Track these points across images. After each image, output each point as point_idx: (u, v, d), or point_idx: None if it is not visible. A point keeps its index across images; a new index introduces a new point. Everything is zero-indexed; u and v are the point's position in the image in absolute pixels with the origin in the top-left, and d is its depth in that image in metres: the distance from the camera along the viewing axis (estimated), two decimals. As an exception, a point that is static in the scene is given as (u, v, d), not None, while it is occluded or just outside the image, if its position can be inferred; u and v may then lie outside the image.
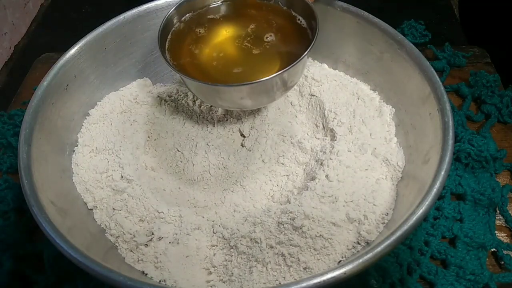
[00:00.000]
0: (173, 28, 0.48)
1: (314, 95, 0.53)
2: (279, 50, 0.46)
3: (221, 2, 0.50)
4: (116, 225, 0.43)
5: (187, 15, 0.49)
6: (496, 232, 0.46)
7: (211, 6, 0.50)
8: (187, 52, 0.47)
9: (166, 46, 0.46)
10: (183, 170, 0.50)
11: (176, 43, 0.47)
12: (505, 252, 0.45)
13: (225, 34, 0.48)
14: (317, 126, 0.52)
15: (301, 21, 0.47)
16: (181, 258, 0.41)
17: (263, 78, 0.41)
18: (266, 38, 0.46)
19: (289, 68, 0.41)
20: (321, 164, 0.47)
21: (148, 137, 0.52)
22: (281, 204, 0.46)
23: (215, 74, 0.45)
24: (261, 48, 0.46)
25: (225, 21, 0.49)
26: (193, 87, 0.47)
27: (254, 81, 0.42)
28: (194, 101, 0.54)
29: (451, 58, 0.62)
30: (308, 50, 0.42)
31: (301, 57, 0.42)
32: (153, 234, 0.43)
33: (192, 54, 0.47)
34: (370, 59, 0.52)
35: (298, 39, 0.46)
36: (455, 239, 0.45)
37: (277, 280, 0.39)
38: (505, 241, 0.46)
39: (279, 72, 0.41)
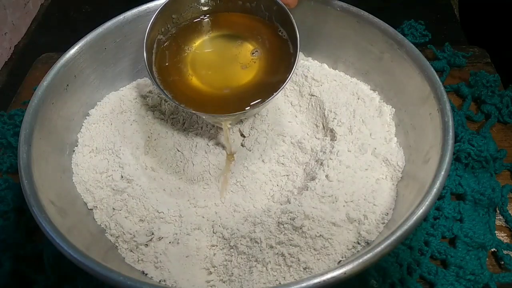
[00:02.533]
0: (158, 37, 0.47)
1: (314, 95, 0.53)
2: (264, 64, 0.46)
3: (205, 16, 0.49)
4: (116, 225, 0.43)
5: (171, 27, 0.48)
6: (496, 232, 0.46)
7: (195, 20, 0.49)
8: (174, 68, 0.47)
9: (153, 61, 0.46)
10: (183, 170, 0.50)
11: (163, 59, 0.47)
12: (505, 252, 0.45)
13: (210, 47, 0.48)
14: (317, 126, 0.52)
15: (282, 33, 0.47)
16: (181, 258, 0.41)
17: (250, 99, 0.43)
18: (252, 53, 0.47)
19: (274, 96, 0.43)
20: (321, 164, 0.47)
21: (148, 137, 0.52)
22: (281, 204, 0.46)
23: (204, 88, 0.46)
24: (246, 63, 0.46)
25: (211, 36, 0.49)
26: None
27: (238, 112, 0.43)
28: (194, 101, 0.54)
29: (451, 58, 0.62)
30: (291, 73, 0.43)
31: (284, 83, 0.43)
32: (153, 234, 0.43)
33: (179, 70, 0.47)
34: (370, 59, 0.52)
35: (281, 51, 0.46)
36: (455, 239, 0.45)
37: (277, 280, 0.39)
38: (505, 241, 0.46)
39: (267, 101, 0.42)
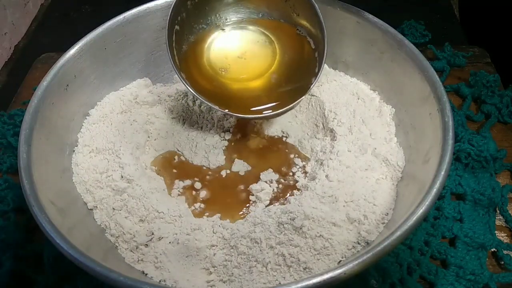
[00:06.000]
0: (176, 28, 0.48)
1: (314, 95, 0.53)
2: (286, 65, 0.49)
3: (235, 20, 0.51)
4: (116, 225, 0.43)
5: (186, 16, 0.48)
6: (496, 232, 0.46)
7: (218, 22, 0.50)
8: (196, 65, 0.48)
9: (175, 55, 0.47)
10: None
11: (183, 54, 0.48)
12: (505, 252, 0.45)
13: (231, 44, 0.50)
14: (317, 126, 0.52)
15: (301, 31, 0.49)
16: (181, 258, 0.41)
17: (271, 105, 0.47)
18: (272, 76, 0.49)
19: (292, 106, 0.47)
20: (321, 164, 0.47)
21: (148, 137, 0.52)
22: (281, 204, 0.46)
23: (228, 85, 0.48)
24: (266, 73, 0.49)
25: (230, 30, 0.50)
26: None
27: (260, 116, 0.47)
28: (194, 101, 0.54)
29: (451, 58, 0.62)
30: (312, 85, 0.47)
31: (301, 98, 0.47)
32: (153, 234, 0.43)
33: (202, 67, 0.48)
34: (370, 59, 0.52)
35: (303, 50, 0.48)
36: (455, 239, 0.45)
37: (277, 280, 0.39)
38: (505, 241, 0.46)
39: (287, 107, 0.46)
